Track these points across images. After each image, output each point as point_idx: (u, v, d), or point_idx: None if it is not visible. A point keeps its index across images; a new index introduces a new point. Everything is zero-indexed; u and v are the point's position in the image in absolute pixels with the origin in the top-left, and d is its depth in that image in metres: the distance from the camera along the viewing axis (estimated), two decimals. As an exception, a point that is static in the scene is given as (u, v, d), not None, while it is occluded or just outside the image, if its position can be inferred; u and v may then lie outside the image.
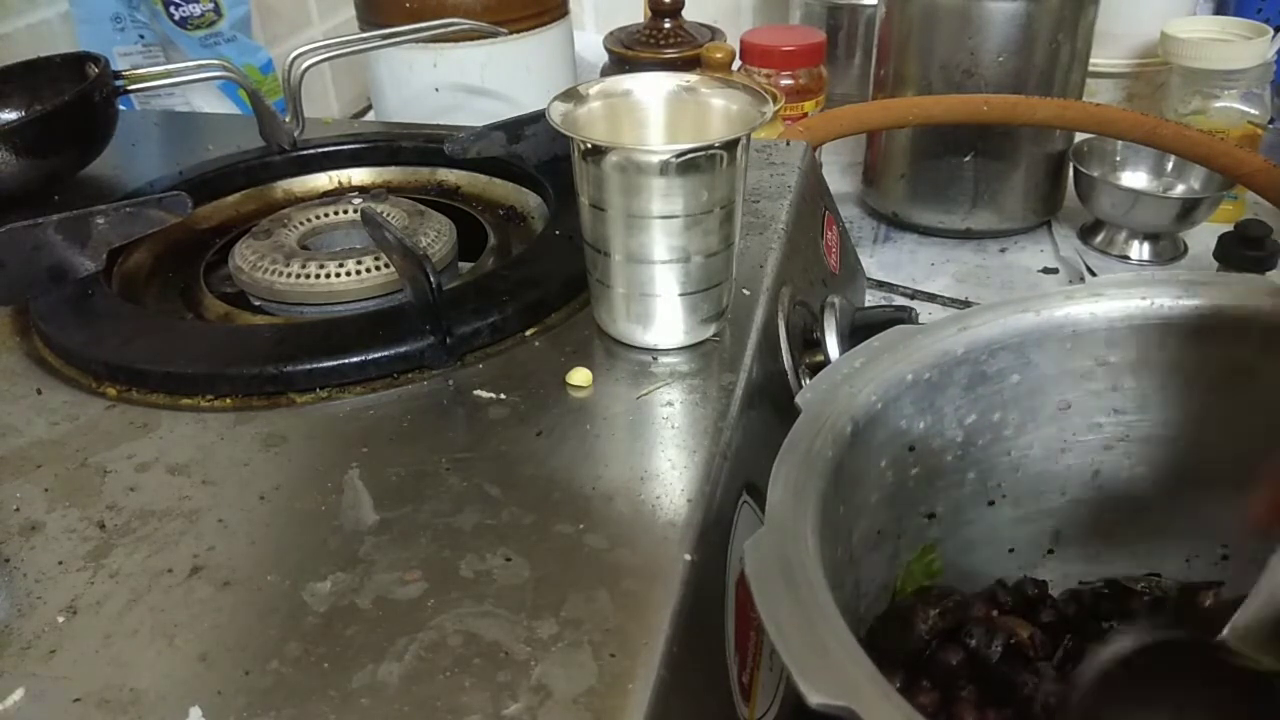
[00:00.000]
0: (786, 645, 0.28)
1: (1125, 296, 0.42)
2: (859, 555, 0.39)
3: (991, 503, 0.45)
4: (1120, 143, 0.90)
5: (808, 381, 0.52)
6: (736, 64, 0.92)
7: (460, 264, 0.61)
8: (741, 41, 0.93)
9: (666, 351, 0.48)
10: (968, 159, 0.90)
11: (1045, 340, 0.42)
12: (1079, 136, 0.92)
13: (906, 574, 0.43)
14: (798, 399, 0.37)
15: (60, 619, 0.36)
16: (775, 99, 0.85)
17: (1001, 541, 0.46)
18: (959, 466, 0.43)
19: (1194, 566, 0.47)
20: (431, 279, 0.47)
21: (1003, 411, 0.43)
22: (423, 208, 0.61)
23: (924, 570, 0.44)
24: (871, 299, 0.84)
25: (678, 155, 0.42)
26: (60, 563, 0.38)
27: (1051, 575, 0.47)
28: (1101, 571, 0.48)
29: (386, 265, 0.55)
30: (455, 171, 0.70)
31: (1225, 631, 0.36)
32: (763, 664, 0.41)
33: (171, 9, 0.87)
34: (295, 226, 0.60)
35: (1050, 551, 0.47)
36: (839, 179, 1.04)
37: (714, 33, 1.03)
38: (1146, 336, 0.42)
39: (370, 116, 1.07)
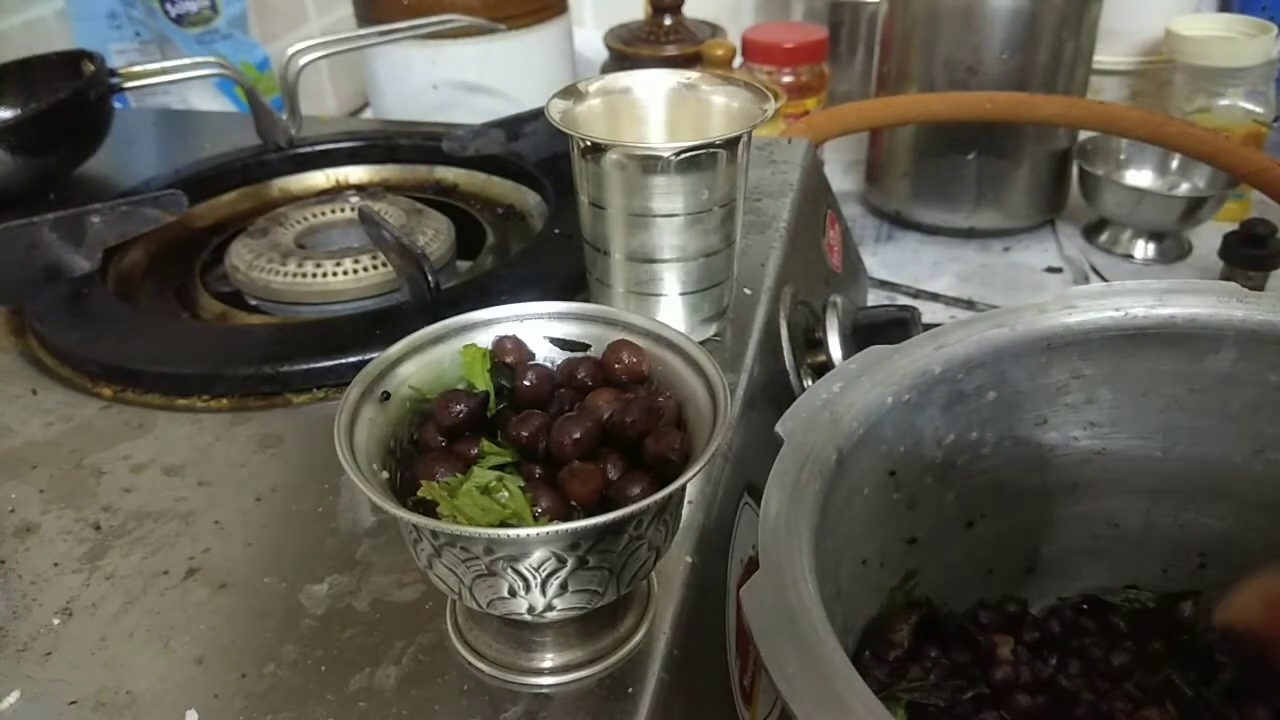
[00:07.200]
0: (801, 706, 0.27)
1: (1098, 308, 0.41)
2: (846, 588, 0.38)
3: (971, 524, 0.44)
4: (1125, 141, 0.90)
5: (809, 382, 0.51)
6: (737, 61, 0.92)
7: (458, 262, 0.61)
8: (743, 38, 0.93)
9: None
10: (971, 157, 0.89)
11: (1020, 355, 0.41)
12: (1083, 135, 0.91)
13: (890, 602, 0.43)
14: (778, 427, 0.36)
15: (56, 621, 0.35)
16: (777, 96, 0.85)
17: (981, 562, 0.45)
18: (939, 489, 0.42)
19: (1171, 576, 0.46)
20: (429, 278, 0.47)
21: (980, 430, 0.42)
22: (420, 206, 0.61)
23: (905, 597, 0.43)
24: (874, 298, 0.83)
25: (678, 153, 0.41)
26: (56, 564, 0.38)
27: (1031, 593, 0.47)
28: (1080, 586, 0.47)
29: (384, 264, 0.54)
30: (453, 169, 0.70)
31: None
32: (764, 667, 0.41)
33: (168, 6, 0.86)
34: (292, 225, 0.60)
35: (1029, 570, 0.47)
36: (841, 177, 1.04)
37: (714, 29, 1.02)
38: (1120, 348, 0.41)
39: (368, 114, 1.07)
